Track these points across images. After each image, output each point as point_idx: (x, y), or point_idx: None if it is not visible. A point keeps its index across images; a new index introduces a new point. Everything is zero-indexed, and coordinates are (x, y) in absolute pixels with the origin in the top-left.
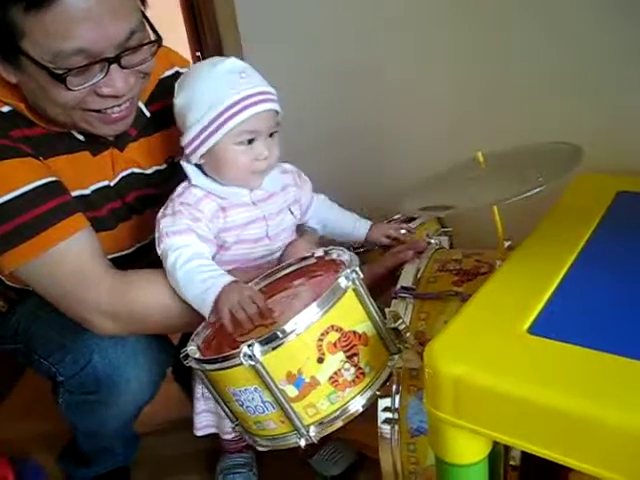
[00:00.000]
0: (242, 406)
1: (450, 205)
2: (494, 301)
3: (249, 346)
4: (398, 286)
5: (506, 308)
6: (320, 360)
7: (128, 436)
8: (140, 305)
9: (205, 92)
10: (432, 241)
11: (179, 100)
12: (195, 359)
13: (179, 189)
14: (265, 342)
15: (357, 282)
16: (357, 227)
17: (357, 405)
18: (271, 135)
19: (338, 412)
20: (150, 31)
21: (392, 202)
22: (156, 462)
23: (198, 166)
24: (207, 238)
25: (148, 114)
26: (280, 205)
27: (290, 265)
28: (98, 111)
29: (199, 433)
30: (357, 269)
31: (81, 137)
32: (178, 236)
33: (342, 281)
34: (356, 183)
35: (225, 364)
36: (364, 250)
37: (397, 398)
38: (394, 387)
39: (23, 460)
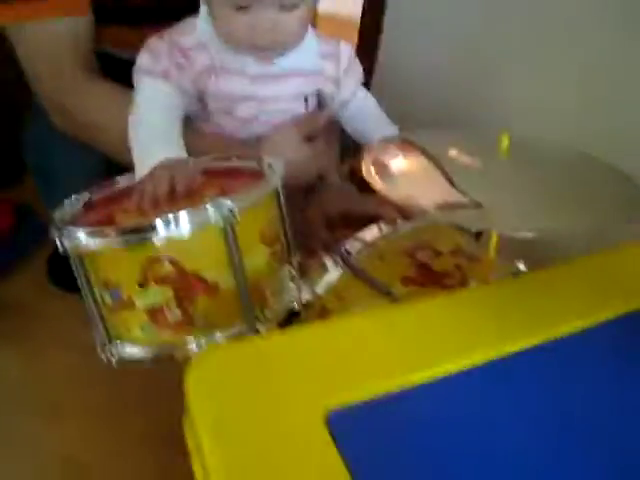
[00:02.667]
0: None
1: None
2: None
3: (69, 233)
4: (342, 244)
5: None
6: (141, 285)
7: None
8: (91, 114)
9: None
10: None
11: None
12: None
13: (183, 24)
14: (92, 234)
15: (229, 222)
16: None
17: (177, 350)
18: (286, 8)
19: (152, 346)
20: None
21: None
22: None
23: None
24: (184, 90)
25: None
26: (291, 91)
27: (230, 160)
28: None
29: None
30: (235, 208)
31: None
32: (154, 78)
33: (211, 212)
34: None
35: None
36: None
37: None
38: None
39: (29, 210)
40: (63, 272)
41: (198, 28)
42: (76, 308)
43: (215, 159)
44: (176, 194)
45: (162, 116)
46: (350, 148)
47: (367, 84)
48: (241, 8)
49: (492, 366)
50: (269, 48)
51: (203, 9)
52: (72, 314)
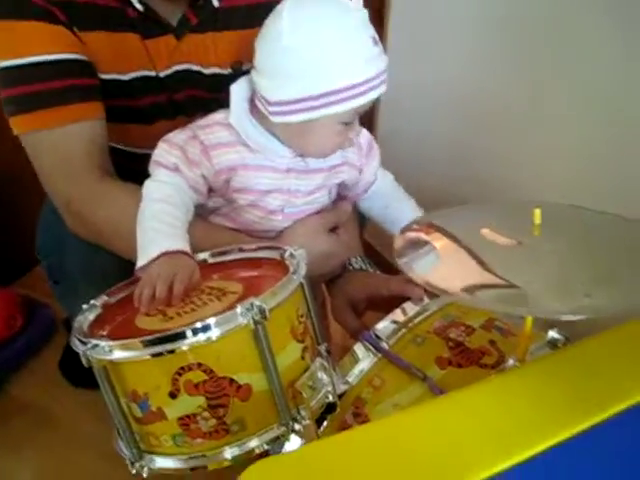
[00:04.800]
0: None
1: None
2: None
3: (93, 347)
4: (371, 330)
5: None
6: (173, 395)
7: None
8: (103, 219)
9: (331, 53)
10: None
11: (289, 40)
12: None
13: (209, 119)
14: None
15: (259, 322)
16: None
17: (212, 459)
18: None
19: (184, 457)
20: None
21: None
22: None
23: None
24: (196, 188)
25: (217, 4)
26: (318, 184)
27: (248, 249)
28: None
29: None
30: (266, 307)
31: (140, 7)
32: (166, 170)
33: (240, 314)
34: None
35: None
36: None
37: None
38: None
39: (40, 304)
40: (76, 368)
41: (234, 124)
42: (89, 405)
43: (226, 250)
44: (174, 292)
45: (167, 208)
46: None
47: None
48: (346, 124)
49: (549, 456)
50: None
51: (242, 108)
52: (86, 411)
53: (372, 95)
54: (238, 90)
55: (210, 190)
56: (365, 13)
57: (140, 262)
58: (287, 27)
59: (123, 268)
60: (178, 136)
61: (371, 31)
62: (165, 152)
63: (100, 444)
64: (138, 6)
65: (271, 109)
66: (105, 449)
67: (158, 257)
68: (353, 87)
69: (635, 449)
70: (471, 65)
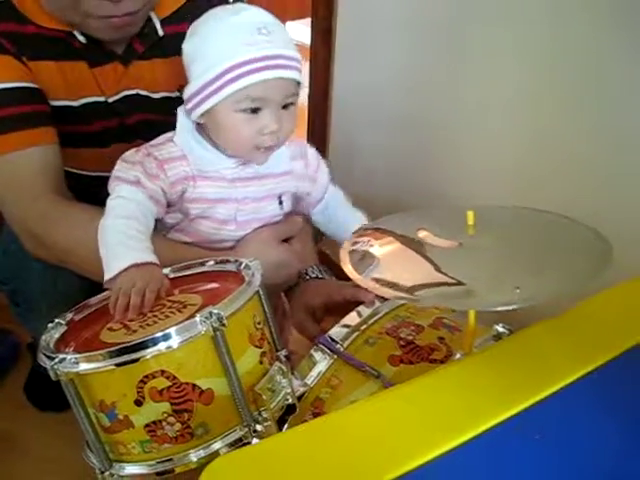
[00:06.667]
0: None
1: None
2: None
3: (61, 360)
4: (326, 334)
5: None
6: (138, 403)
7: None
8: (63, 238)
9: (213, 44)
10: None
11: (187, 46)
12: None
13: (160, 138)
14: (84, 359)
15: (218, 329)
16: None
17: (178, 462)
18: (285, 107)
19: (152, 462)
20: None
21: None
22: None
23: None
24: (157, 199)
25: (161, 33)
26: (265, 192)
27: (207, 264)
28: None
29: None
30: (223, 314)
31: (82, 39)
32: (128, 185)
33: (199, 323)
34: None
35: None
36: None
37: None
38: None
39: (3, 330)
40: (42, 392)
41: (178, 142)
42: (56, 429)
43: (186, 266)
44: (145, 301)
45: (131, 223)
46: (318, 235)
47: None
48: (252, 112)
49: (492, 435)
50: (271, 149)
51: (186, 125)
52: (53, 435)
53: (258, 77)
54: (183, 110)
55: (168, 205)
56: (256, 11)
57: (108, 275)
58: (187, 36)
59: (84, 289)
60: (135, 154)
61: (259, 24)
62: (125, 168)
63: (68, 468)
64: (80, 38)
65: (187, 107)
66: (73, 472)
67: (127, 269)
68: (233, 69)
69: (568, 427)
70: (412, 83)
